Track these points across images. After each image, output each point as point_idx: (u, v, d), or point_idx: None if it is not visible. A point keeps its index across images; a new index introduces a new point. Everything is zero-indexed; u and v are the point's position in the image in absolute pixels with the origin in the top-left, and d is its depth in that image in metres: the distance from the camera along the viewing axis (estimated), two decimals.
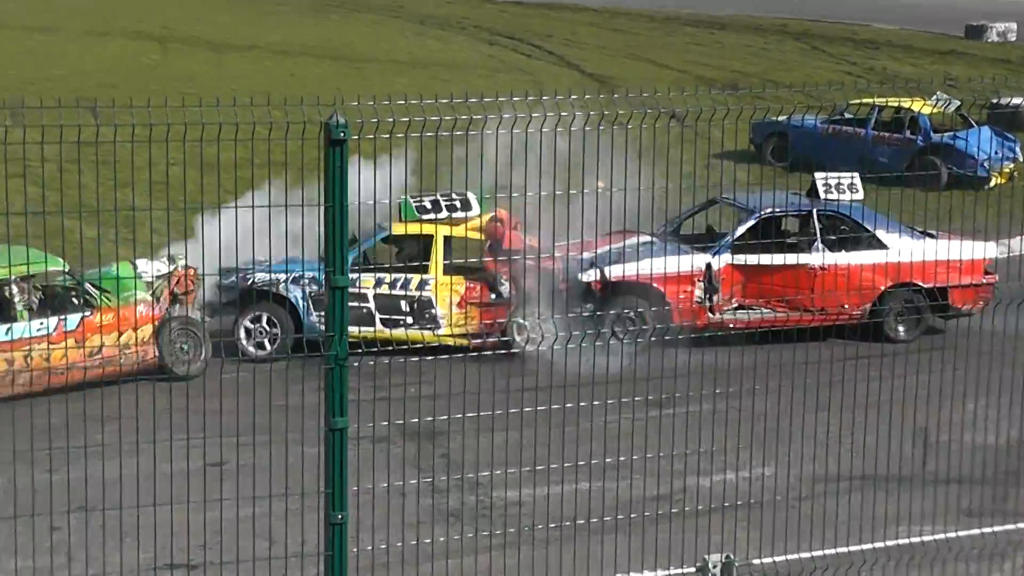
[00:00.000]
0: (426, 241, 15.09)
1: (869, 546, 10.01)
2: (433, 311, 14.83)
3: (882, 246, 15.31)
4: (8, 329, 12.97)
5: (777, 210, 15.43)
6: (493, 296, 15.04)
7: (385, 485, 8.93)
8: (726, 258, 15.31)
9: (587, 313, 14.62)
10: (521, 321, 14.71)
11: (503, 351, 13.72)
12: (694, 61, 35.05)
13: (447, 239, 15.05)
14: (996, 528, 10.61)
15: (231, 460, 8.63)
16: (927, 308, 15.33)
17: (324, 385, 6.58)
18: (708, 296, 15.22)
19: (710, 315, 15.14)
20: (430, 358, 13.19)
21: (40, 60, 31.79)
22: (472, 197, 13.46)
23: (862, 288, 15.26)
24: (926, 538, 9.98)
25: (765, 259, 15.08)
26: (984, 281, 15.36)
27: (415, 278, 14.90)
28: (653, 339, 14.39)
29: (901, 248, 15.15)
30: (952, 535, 10.12)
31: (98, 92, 25.91)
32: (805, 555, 9.65)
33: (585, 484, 10.91)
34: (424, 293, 14.87)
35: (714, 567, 8.57)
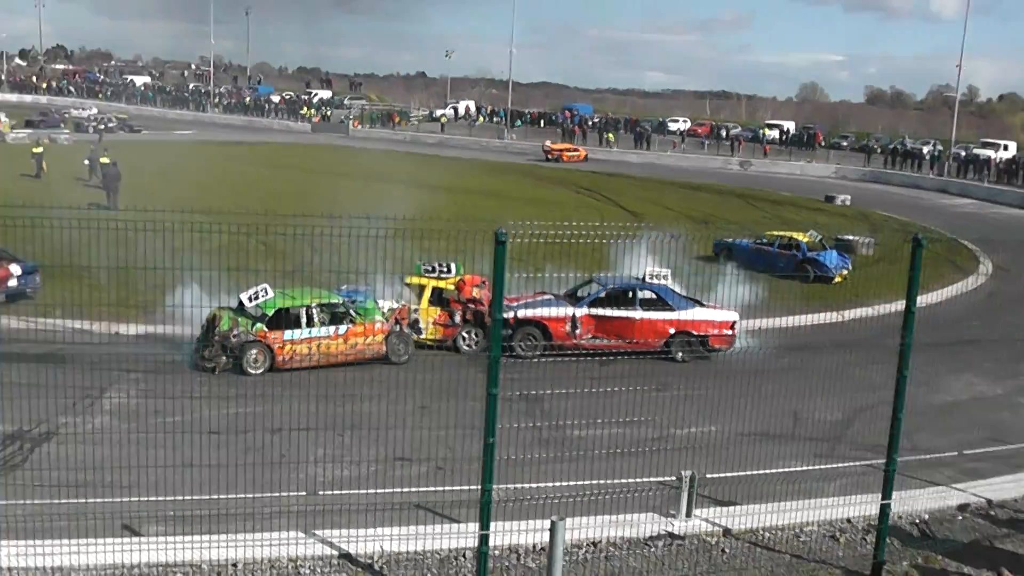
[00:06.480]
0: (423, 288, 25.99)
1: (765, 471, 14.25)
2: (420, 324, 25.48)
3: (671, 309, 25.00)
4: (310, 332, 23.17)
5: (614, 286, 25.41)
6: (450, 321, 25.46)
7: None
8: (584, 310, 25.01)
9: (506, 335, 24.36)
10: (465, 335, 25.42)
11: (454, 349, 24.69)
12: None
13: (434, 289, 25.89)
14: (828, 465, 15.35)
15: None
16: (697, 346, 25.01)
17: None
18: (572, 330, 24.78)
19: (574, 340, 24.70)
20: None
21: None
22: (455, 266, 25.58)
23: (659, 332, 24.88)
24: (793, 468, 14.68)
25: (607, 312, 25.03)
26: (728, 333, 25.35)
27: (414, 306, 25.73)
28: (540, 353, 24.61)
29: (683, 312, 24.91)
30: (807, 468, 14.88)
31: None
32: (733, 474, 13.90)
33: (617, 430, 16.47)
34: (415, 315, 25.48)
35: (685, 478, 12.12)
